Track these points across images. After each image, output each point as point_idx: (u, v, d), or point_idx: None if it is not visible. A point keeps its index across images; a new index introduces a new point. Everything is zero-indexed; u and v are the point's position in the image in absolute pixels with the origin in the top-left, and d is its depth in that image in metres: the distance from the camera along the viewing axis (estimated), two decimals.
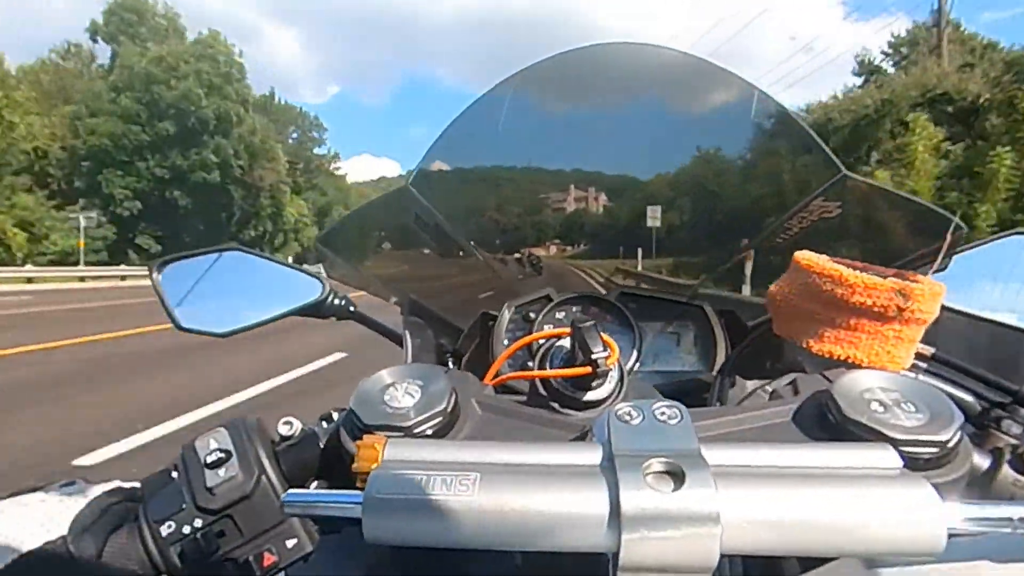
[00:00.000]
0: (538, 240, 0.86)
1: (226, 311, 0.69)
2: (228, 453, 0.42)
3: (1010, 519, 0.25)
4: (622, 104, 0.76)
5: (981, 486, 0.46)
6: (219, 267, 0.71)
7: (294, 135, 47.91)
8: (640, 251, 0.84)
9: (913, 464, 0.36)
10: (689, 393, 0.68)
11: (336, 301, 0.70)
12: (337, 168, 55.02)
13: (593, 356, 0.43)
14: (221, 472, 0.41)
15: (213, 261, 0.71)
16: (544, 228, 0.86)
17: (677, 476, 0.23)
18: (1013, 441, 0.50)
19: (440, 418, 0.39)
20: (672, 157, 0.77)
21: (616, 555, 0.22)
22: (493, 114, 0.73)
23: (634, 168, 0.79)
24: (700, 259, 0.84)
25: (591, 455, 0.25)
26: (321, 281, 0.71)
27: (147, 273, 0.70)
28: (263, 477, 0.42)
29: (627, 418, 0.26)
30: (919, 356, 0.56)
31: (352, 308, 0.71)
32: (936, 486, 0.25)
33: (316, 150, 50.36)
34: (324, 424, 0.48)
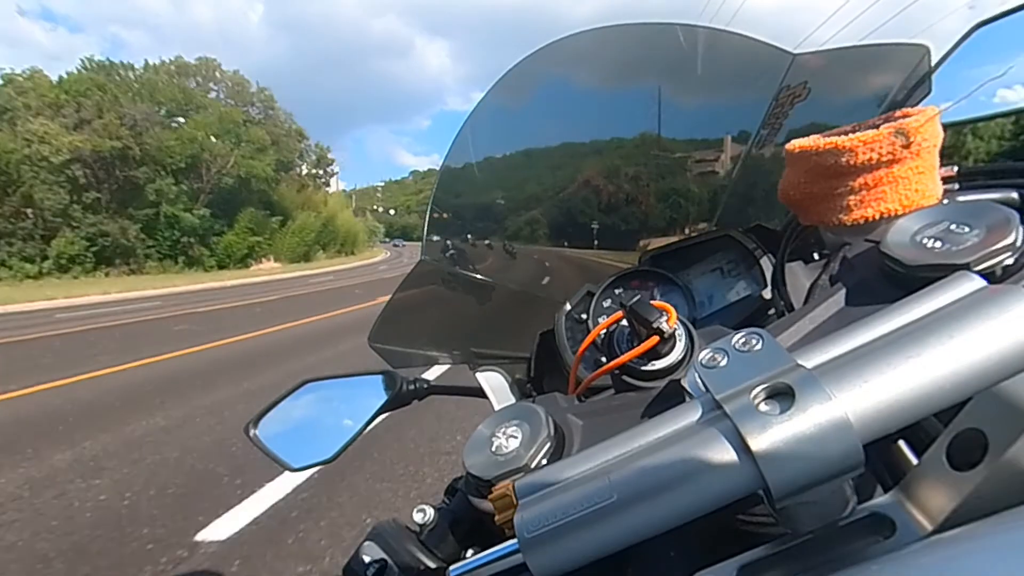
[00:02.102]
0: (558, 241, 0.86)
1: (324, 436, 0.71)
2: (383, 561, 0.43)
3: None
4: (607, 84, 0.76)
5: None
6: (300, 402, 0.73)
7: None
8: (648, 215, 0.83)
9: (995, 278, 0.35)
10: (759, 315, 0.66)
11: (410, 387, 0.71)
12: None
13: (654, 324, 0.43)
14: None
15: (293, 398, 0.73)
16: (554, 229, 0.86)
17: (786, 394, 0.22)
18: None
19: (549, 444, 0.39)
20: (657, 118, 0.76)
21: (767, 490, 0.21)
22: (467, 150, 0.74)
23: (625, 147, 0.79)
24: (706, 193, 0.82)
25: (698, 410, 0.25)
26: (391, 374, 0.72)
27: None
28: (423, 568, 0.42)
29: (713, 363, 0.25)
30: (947, 179, 0.53)
31: (426, 385, 0.72)
32: None
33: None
34: (451, 498, 0.49)
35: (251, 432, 0.70)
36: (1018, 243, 0.35)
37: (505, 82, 0.68)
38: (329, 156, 46.26)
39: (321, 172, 46.24)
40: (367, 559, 0.44)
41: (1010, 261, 0.35)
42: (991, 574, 0.20)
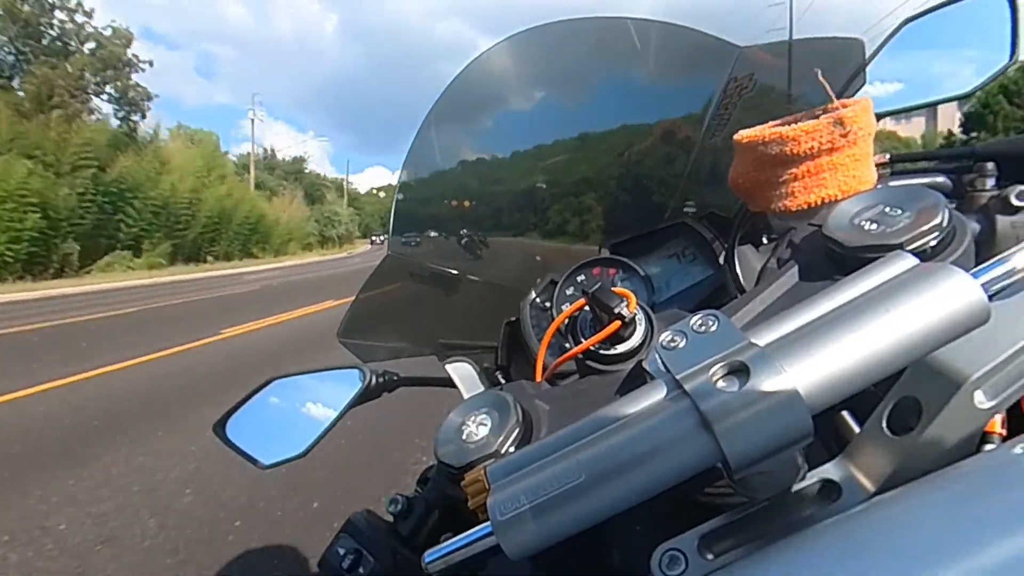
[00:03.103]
0: (521, 233, 0.86)
1: (293, 432, 0.70)
2: (358, 551, 0.43)
3: None
4: (550, 85, 0.76)
5: (989, 247, 0.46)
6: (268, 399, 0.72)
7: None
8: (609, 201, 0.84)
9: (925, 256, 0.36)
10: (714, 298, 0.68)
11: (380, 379, 0.70)
12: None
13: (615, 310, 0.44)
14: (361, 570, 0.42)
15: (261, 396, 0.71)
16: (518, 220, 0.86)
17: (741, 371, 0.23)
18: (992, 192, 0.50)
19: (518, 429, 0.39)
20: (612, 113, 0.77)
21: (726, 462, 0.22)
22: (430, 144, 0.73)
23: (581, 130, 0.79)
24: (662, 183, 0.84)
25: (659, 390, 0.25)
26: (360, 368, 0.71)
27: None
28: (397, 555, 0.42)
29: (672, 345, 0.26)
30: (880, 166, 0.56)
31: (396, 377, 0.72)
32: (954, 264, 0.25)
33: None
34: (423, 486, 0.49)
35: (220, 432, 0.68)
36: (944, 223, 0.37)
37: (466, 76, 0.68)
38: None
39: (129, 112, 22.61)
40: (342, 551, 0.43)
41: (937, 240, 0.37)
42: (926, 527, 0.21)
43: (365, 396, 0.70)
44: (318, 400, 0.72)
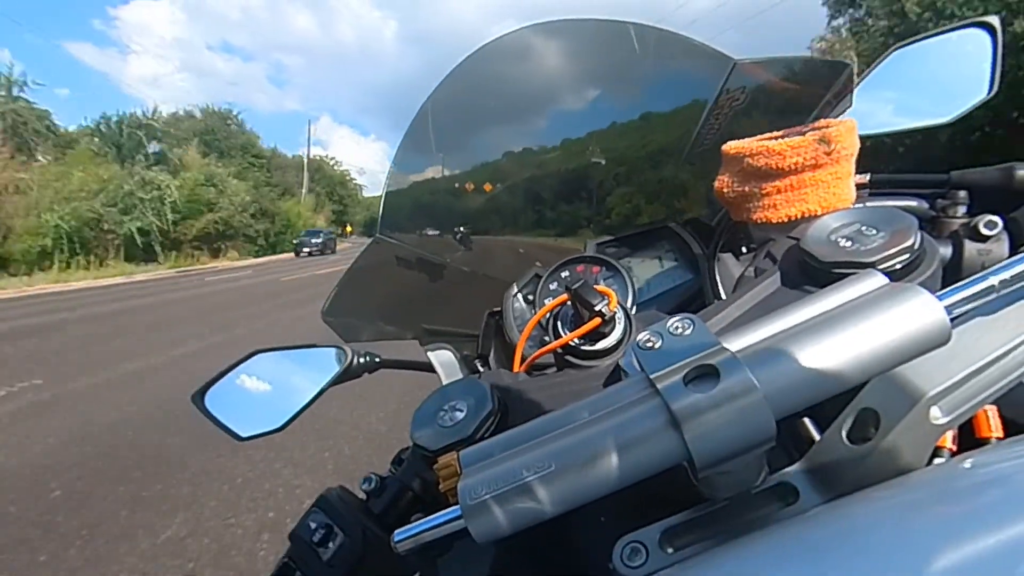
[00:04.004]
0: (509, 228, 0.86)
1: (272, 406, 0.69)
2: (329, 526, 0.43)
3: (992, 286, 0.26)
4: (540, 84, 0.76)
5: (955, 271, 0.47)
6: (249, 372, 0.71)
7: None
8: (596, 203, 0.84)
9: (895, 276, 0.37)
10: (691, 301, 0.68)
11: (361, 360, 0.70)
12: None
13: (596, 307, 0.44)
14: (331, 545, 0.42)
15: (243, 368, 0.70)
16: (506, 215, 0.86)
17: (712, 374, 0.23)
18: (963, 220, 0.51)
19: (493, 417, 0.39)
20: (602, 116, 0.77)
21: (691, 461, 0.22)
22: (424, 135, 0.72)
23: (575, 131, 0.79)
24: (650, 188, 0.84)
25: (633, 388, 0.26)
26: (342, 348, 0.70)
27: None
28: (368, 532, 0.42)
29: (648, 345, 0.26)
30: (860, 185, 0.56)
31: (378, 359, 0.71)
32: (921, 285, 0.25)
33: None
34: (398, 467, 0.49)
35: (199, 401, 0.67)
36: (916, 246, 0.38)
37: (459, 72, 0.67)
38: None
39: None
40: (313, 525, 0.43)
41: (908, 262, 0.38)
42: (876, 533, 0.22)
43: (346, 375, 0.69)
44: (299, 376, 0.71)
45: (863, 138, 0.51)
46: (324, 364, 0.70)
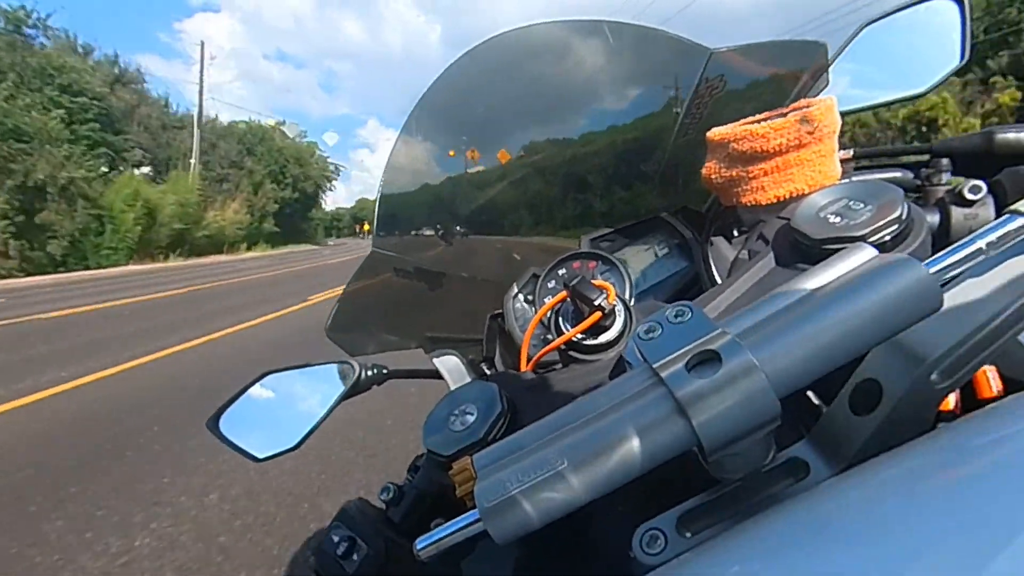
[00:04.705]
0: (500, 228, 0.86)
1: (286, 425, 0.69)
2: (352, 539, 0.43)
3: (981, 248, 0.26)
4: (524, 86, 0.76)
5: (944, 237, 0.47)
6: (261, 393, 0.71)
7: None
8: (589, 200, 0.84)
9: (885, 247, 0.37)
10: (688, 288, 0.68)
11: (369, 373, 0.70)
12: None
13: (595, 302, 0.44)
14: (355, 557, 0.42)
15: (254, 391, 0.70)
16: (499, 217, 0.86)
17: (714, 359, 0.23)
18: (948, 187, 0.51)
19: (503, 418, 0.39)
20: (585, 117, 0.77)
21: (700, 445, 0.22)
22: (414, 144, 0.72)
23: (562, 133, 0.79)
24: (638, 180, 0.84)
25: (637, 379, 0.26)
26: (349, 363, 0.70)
27: None
28: (389, 542, 0.42)
29: (649, 335, 0.26)
30: (844, 161, 0.57)
31: (385, 371, 0.71)
32: (911, 254, 0.25)
33: None
34: (414, 475, 0.49)
35: (213, 427, 0.67)
36: (903, 216, 0.38)
37: (447, 77, 0.67)
38: None
39: None
40: (336, 538, 0.43)
41: (896, 232, 0.38)
42: (886, 501, 0.22)
43: (356, 389, 0.69)
44: (310, 394, 0.71)
45: (843, 114, 0.51)
46: (333, 380, 0.70)
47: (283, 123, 40.45)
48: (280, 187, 34.69)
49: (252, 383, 0.69)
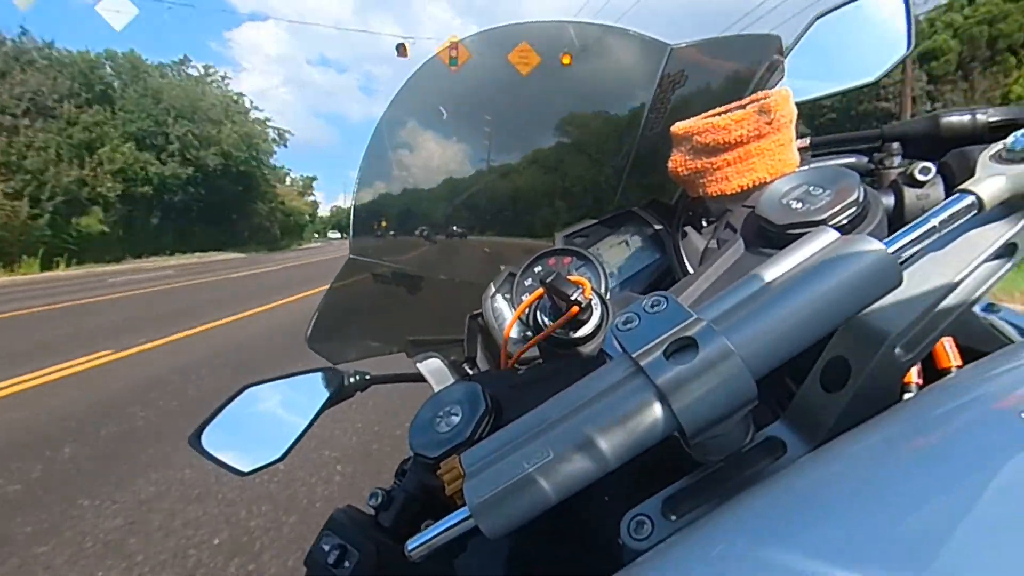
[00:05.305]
0: (474, 229, 0.86)
1: (270, 437, 0.68)
2: (342, 546, 0.42)
3: (934, 227, 0.27)
4: (495, 89, 0.76)
5: (899, 217, 0.48)
6: (243, 407, 0.69)
7: None
8: (559, 200, 0.85)
9: (845, 229, 0.38)
10: (663, 279, 0.69)
11: (352, 379, 0.69)
12: None
13: (572, 297, 0.44)
14: (347, 564, 0.41)
15: (236, 404, 0.69)
16: (473, 218, 0.85)
17: (691, 345, 0.23)
18: (899, 169, 0.53)
19: (488, 416, 0.39)
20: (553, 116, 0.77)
21: (681, 430, 0.23)
22: (384, 148, 0.72)
23: (531, 133, 0.79)
24: (608, 176, 0.85)
25: (617, 369, 0.26)
26: (331, 370, 0.69)
27: None
28: (381, 547, 0.41)
29: (627, 326, 0.26)
30: (802, 149, 0.58)
31: (368, 376, 0.70)
32: (870, 235, 0.26)
33: None
34: (401, 479, 0.48)
35: (195, 443, 0.65)
36: (860, 199, 0.39)
37: (418, 80, 0.67)
38: None
39: None
40: (327, 547, 0.42)
41: (855, 215, 0.39)
42: (858, 472, 0.22)
43: (339, 396, 0.68)
44: (292, 404, 0.70)
45: (799, 104, 0.53)
46: (315, 388, 0.69)
47: (187, 61, 27.07)
48: (168, 156, 21.70)
49: (232, 397, 0.68)
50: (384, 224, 0.80)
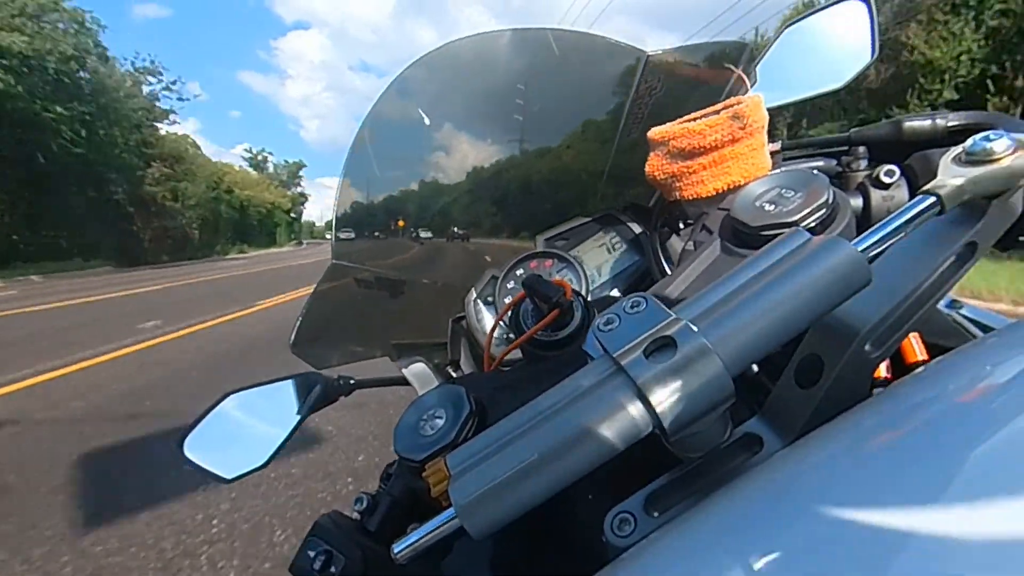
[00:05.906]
0: (461, 234, 0.85)
1: (253, 444, 0.66)
2: (328, 552, 0.41)
3: (899, 227, 0.27)
4: (477, 96, 0.76)
5: (867, 218, 0.50)
6: (226, 414, 0.68)
7: None
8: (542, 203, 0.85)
9: (816, 230, 0.39)
10: (642, 280, 0.70)
11: (336, 384, 0.68)
12: None
13: (553, 299, 0.44)
14: (333, 570, 0.40)
15: (218, 411, 0.67)
16: (455, 222, 0.85)
17: (669, 344, 0.23)
18: (866, 172, 0.54)
19: (472, 419, 0.39)
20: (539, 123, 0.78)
21: (661, 427, 0.23)
22: (367, 152, 0.71)
23: (511, 138, 0.79)
24: (587, 180, 0.85)
25: (598, 369, 0.26)
26: (315, 375, 0.68)
27: None
28: (367, 551, 0.41)
29: (607, 327, 0.26)
30: (774, 153, 0.59)
31: (352, 381, 0.70)
32: (839, 235, 0.27)
33: None
34: (387, 483, 0.48)
35: (180, 451, 0.63)
36: (830, 201, 0.40)
37: (398, 85, 0.66)
38: None
39: None
40: (312, 553, 0.42)
41: (825, 216, 0.40)
42: (832, 465, 0.23)
43: (322, 401, 0.67)
44: (275, 410, 0.69)
45: (770, 110, 0.54)
46: (299, 394, 0.68)
47: None
48: None
49: (215, 404, 0.66)
50: (366, 228, 0.79)
